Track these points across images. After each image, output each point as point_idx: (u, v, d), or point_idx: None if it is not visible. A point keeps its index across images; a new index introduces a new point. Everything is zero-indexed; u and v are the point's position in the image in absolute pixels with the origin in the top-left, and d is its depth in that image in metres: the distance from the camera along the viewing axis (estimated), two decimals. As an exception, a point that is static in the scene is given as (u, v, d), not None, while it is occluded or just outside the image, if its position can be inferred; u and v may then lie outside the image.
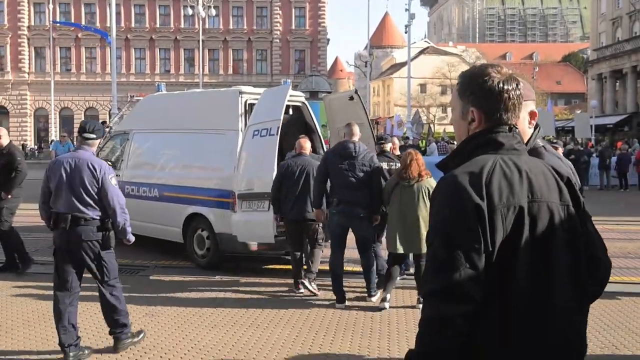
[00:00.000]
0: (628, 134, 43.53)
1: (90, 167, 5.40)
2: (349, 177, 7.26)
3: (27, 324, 6.56)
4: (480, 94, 2.08)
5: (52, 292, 5.53)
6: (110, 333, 5.64)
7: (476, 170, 1.96)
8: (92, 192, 5.39)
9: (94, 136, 5.61)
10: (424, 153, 24.30)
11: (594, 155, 26.25)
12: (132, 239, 5.81)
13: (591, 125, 34.88)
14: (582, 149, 27.13)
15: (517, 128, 2.12)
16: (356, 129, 7.58)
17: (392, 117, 41.66)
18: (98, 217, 5.47)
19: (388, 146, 8.82)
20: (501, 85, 2.07)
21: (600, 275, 2.16)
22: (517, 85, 2.11)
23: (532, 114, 2.80)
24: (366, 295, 7.59)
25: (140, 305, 7.19)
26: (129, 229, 5.65)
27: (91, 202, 5.41)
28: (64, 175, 5.40)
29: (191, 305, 7.31)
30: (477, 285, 1.89)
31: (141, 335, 5.86)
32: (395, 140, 10.24)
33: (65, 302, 5.40)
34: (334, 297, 7.41)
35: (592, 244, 2.15)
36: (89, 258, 5.49)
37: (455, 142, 35.08)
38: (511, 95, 2.08)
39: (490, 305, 1.91)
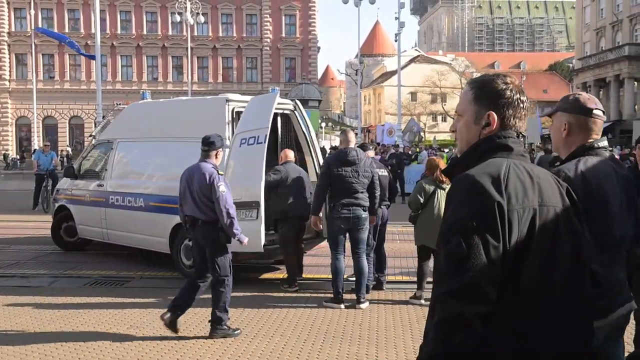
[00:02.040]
0: (611, 142, 43.99)
1: (203, 175, 6.27)
2: (352, 182, 7.56)
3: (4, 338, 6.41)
4: (500, 100, 2.18)
5: (31, 305, 5.42)
6: (210, 321, 6.40)
7: (494, 171, 2.01)
8: (205, 197, 6.26)
9: (206, 148, 6.50)
10: (414, 161, 24.27)
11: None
12: (244, 239, 6.42)
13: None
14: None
15: (524, 136, 2.24)
16: (352, 136, 7.96)
17: (384, 125, 41.68)
18: (211, 219, 6.30)
19: (371, 153, 8.91)
20: (517, 94, 2.20)
21: (602, 290, 2.20)
22: (526, 96, 2.24)
23: None
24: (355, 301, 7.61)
25: (126, 317, 7.06)
26: (236, 231, 6.27)
27: (204, 206, 6.28)
28: (185, 182, 6.43)
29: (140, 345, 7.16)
30: (494, 285, 1.90)
31: (237, 332, 6.41)
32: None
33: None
34: (320, 304, 7.50)
35: (590, 256, 2.15)
36: (207, 254, 6.37)
37: (444, 150, 34.77)
38: (524, 105, 2.21)
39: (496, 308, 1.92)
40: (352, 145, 7.79)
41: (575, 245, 2.06)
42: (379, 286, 8.41)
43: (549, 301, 1.97)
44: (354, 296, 7.66)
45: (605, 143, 3.03)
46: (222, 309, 6.34)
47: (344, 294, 7.63)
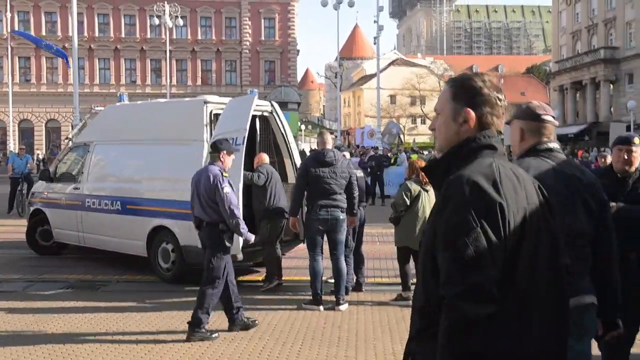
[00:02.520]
0: (588, 143, 44.58)
1: (207, 177, 6.37)
2: (329, 184, 7.55)
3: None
4: (477, 97, 2.17)
5: (4, 310, 5.31)
6: (188, 323, 6.37)
7: (488, 172, 2.03)
8: (210, 198, 6.37)
9: (212, 151, 6.61)
10: (393, 163, 24.31)
11: (558, 164, 26.57)
12: (251, 237, 6.74)
13: (555, 135, 35.51)
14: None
15: (502, 134, 2.26)
16: (329, 138, 7.98)
17: (363, 127, 41.77)
18: (214, 221, 6.43)
19: (347, 154, 8.94)
20: (495, 92, 2.19)
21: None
22: (504, 95, 2.24)
23: None
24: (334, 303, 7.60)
25: (102, 322, 6.97)
26: (242, 230, 6.44)
27: (209, 207, 6.39)
28: (194, 185, 6.55)
29: (155, 320, 7.10)
30: (496, 286, 1.92)
31: (215, 336, 6.35)
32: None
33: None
34: (300, 306, 7.51)
35: (564, 250, 2.25)
36: (206, 254, 6.48)
37: (424, 152, 34.85)
38: (502, 103, 2.20)
39: None
40: (329, 146, 7.78)
41: (552, 242, 2.10)
42: (358, 288, 8.40)
43: (537, 298, 2.01)
44: (333, 298, 7.64)
45: (555, 145, 3.22)
46: (205, 311, 6.32)
47: (323, 296, 7.60)
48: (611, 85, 50.66)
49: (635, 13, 47.85)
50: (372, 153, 25.51)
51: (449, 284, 1.92)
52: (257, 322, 6.73)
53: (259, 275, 9.41)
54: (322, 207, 7.53)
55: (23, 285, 8.89)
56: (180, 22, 45.48)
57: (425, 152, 33.05)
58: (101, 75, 57.87)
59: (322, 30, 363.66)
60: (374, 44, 41.71)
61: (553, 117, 3.28)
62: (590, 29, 54.30)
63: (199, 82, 58.43)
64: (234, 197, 6.44)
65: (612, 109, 50.10)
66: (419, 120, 75.35)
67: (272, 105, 9.66)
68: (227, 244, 6.47)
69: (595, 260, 3.05)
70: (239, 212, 6.42)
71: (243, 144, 8.05)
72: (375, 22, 38.00)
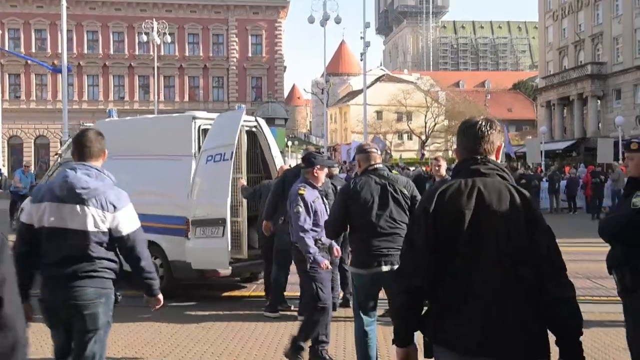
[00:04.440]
0: (576, 159, 44.69)
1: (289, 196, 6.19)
2: None
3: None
4: None
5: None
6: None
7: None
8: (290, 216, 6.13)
9: (303, 165, 6.32)
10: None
11: (544, 179, 26.83)
12: (322, 262, 6.00)
13: (541, 151, 35.76)
14: (532, 173, 27.72)
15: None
16: None
17: (349, 143, 41.91)
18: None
19: (336, 170, 9.03)
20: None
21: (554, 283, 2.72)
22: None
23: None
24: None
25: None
26: (308, 254, 5.90)
27: (290, 226, 6.14)
28: None
29: (141, 335, 7.12)
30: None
31: None
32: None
33: None
34: (290, 319, 7.45)
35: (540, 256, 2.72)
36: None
37: (410, 168, 34.83)
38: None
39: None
40: None
41: (517, 245, 2.74)
42: (345, 303, 8.37)
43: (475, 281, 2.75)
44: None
45: (377, 166, 5.26)
46: (304, 337, 5.92)
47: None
48: (599, 101, 50.75)
49: (622, 28, 48.12)
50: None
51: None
52: None
53: (246, 291, 9.44)
54: None
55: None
56: (168, 38, 45.56)
57: (412, 168, 33.19)
58: (90, 92, 57.89)
59: (309, 46, 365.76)
60: (361, 60, 42.00)
61: (375, 149, 5.40)
62: (577, 45, 54.53)
63: (186, 98, 58.54)
64: (303, 217, 5.90)
65: (599, 125, 50.14)
66: (405, 136, 75.58)
67: (256, 121, 9.75)
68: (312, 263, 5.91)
69: None
70: (307, 234, 5.88)
71: (231, 159, 8.13)
72: (361, 38, 38.22)
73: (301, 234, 5.84)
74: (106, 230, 3.88)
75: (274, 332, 7.23)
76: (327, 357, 5.99)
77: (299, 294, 7.83)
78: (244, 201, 9.05)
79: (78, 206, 3.83)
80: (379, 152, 5.48)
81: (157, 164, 9.16)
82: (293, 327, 7.36)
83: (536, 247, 2.69)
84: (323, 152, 42.46)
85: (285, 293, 8.78)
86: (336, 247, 6.47)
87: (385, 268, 5.01)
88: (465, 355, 2.63)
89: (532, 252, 2.68)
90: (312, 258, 5.83)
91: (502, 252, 2.65)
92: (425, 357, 2.79)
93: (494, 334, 2.61)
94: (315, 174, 6.12)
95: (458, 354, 2.64)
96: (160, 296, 4.27)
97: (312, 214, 5.91)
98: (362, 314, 5.20)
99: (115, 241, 3.93)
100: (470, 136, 2.88)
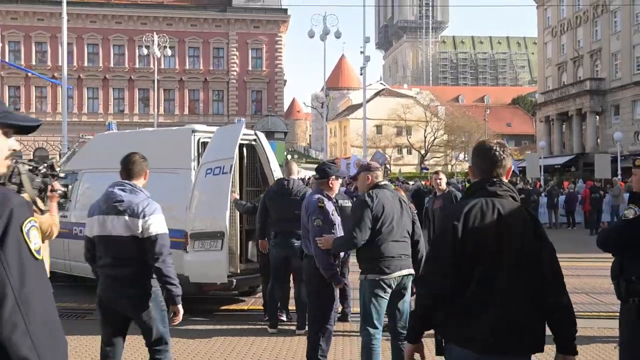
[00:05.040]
0: (575, 174, 44.69)
1: (305, 205, 6.11)
2: (284, 211, 7.73)
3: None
4: None
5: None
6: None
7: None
8: (305, 228, 6.05)
9: (318, 176, 6.27)
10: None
11: (543, 194, 26.83)
12: (340, 282, 6.06)
13: (540, 166, 35.78)
14: (531, 188, 27.72)
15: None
16: (293, 167, 8.25)
17: (349, 157, 41.94)
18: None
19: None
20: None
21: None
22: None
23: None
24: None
25: (86, 350, 6.96)
26: (324, 270, 5.75)
27: (306, 238, 6.06)
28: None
29: (137, 349, 7.09)
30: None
31: None
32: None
33: None
34: (287, 334, 7.43)
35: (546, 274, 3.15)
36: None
37: (410, 182, 34.93)
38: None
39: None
40: (293, 176, 8.05)
41: (528, 259, 3.16)
42: (343, 318, 8.36)
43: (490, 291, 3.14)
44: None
45: (386, 182, 5.65)
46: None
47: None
48: (597, 117, 50.84)
49: (621, 44, 48.35)
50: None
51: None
52: None
53: (244, 305, 9.42)
54: (277, 234, 7.85)
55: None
56: (169, 52, 45.77)
57: (411, 182, 33.22)
58: (90, 105, 58.01)
59: (309, 60, 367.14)
60: (360, 74, 42.10)
61: (377, 167, 5.75)
62: (576, 61, 54.76)
63: (186, 111, 58.64)
64: (324, 232, 5.73)
65: (598, 140, 50.26)
66: (405, 150, 75.69)
67: (256, 134, 9.75)
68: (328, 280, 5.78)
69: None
70: (327, 250, 5.69)
71: (230, 172, 8.14)
72: (361, 52, 38.37)
73: (324, 253, 5.66)
74: (140, 235, 4.65)
75: (272, 346, 7.21)
76: None
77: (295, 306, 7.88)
78: (237, 215, 9.05)
79: (117, 217, 4.70)
80: (382, 162, 5.77)
81: (156, 177, 9.11)
82: (291, 342, 7.35)
83: (543, 259, 3.15)
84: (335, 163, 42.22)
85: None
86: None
87: (405, 272, 5.36)
88: (482, 354, 3.04)
89: (540, 263, 3.14)
90: (331, 278, 5.72)
91: (519, 264, 3.08)
92: (436, 354, 3.21)
93: (508, 334, 3.04)
94: (331, 185, 6.07)
95: (476, 352, 3.05)
96: (180, 307, 4.73)
97: (331, 227, 5.82)
98: (371, 323, 5.29)
99: (144, 243, 4.64)
100: (487, 160, 3.26)
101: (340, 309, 8.36)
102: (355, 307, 8.86)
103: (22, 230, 1.88)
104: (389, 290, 5.31)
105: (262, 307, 8.74)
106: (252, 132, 9.83)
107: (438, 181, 8.96)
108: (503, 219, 3.11)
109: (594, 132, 50.75)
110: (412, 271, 5.41)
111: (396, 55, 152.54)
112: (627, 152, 43.21)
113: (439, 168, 53.04)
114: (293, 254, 7.61)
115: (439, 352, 3.21)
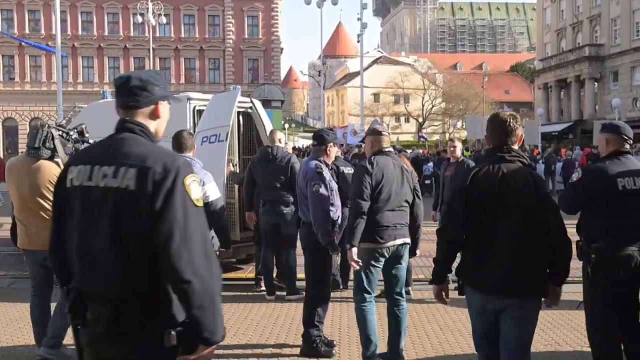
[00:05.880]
0: (572, 142, 44.69)
1: (303, 172, 6.00)
2: (270, 178, 7.79)
3: None
4: None
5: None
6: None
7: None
8: (304, 195, 5.98)
9: (315, 143, 6.12)
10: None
11: (540, 161, 26.80)
12: (335, 249, 5.87)
13: (538, 133, 35.75)
14: (528, 155, 27.68)
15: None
16: (277, 135, 8.16)
17: (346, 126, 41.77)
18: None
19: (339, 152, 8.95)
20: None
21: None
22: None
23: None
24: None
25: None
26: (323, 238, 5.68)
27: (303, 205, 6.02)
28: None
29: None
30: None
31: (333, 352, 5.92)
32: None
33: None
34: (282, 299, 7.47)
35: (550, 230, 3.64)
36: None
37: (408, 150, 34.84)
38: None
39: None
40: (277, 144, 7.98)
41: (530, 213, 3.70)
42: (335, 285, 8.36)
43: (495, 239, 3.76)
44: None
45: (389, 149, 5.46)
46: (314, 326, 5.84)
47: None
48: (596, 83, 50.59)
49: (621, 9, 47.84)
50: (355, 151, 25.55)
51: None
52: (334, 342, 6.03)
53: (242, 273, 9.45)
54: (266, 202, 7.88)
55: (8, 282, 8.91)
56: (164, 20, 45.30)
57: (409, 150, 33.18)
58: (84, 74, 57.47)
59: (306, 28, 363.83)
60: (358, 42, 41.74)
61: (387, 133, 5.60)
62: (575, 27, 54.21)
63: (182, 80, 58.16)
64: (324, 198, 5.69)
65: (596, 107, 50.06)
66: (402, 118, 75.50)
67: (251, 102, 9.67)
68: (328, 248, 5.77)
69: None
70: (326, 216, 5.67)
71: (226, 140, 8.10)
72: (358, 19, 38.00)
73: (323, 219, 5.64)
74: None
75: (269, 313, 7.24)
76: (319, 343, 5.81)
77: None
78: None
79: None
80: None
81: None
82: (289, 308, 7.38)
83: (544, 212, 3.63)
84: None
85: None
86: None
87: (399, 241, 5.32)
88: (489, 295, 3.64)
89: (540, 217, 3.61)
90: (328, 244, 5.68)
91: (520, 216, 3.60)
92: (458, 294, 3.89)
93: (510, 277, 3.57)
94: (328, 152, 6.04)
95: (484, 293, 3.66)
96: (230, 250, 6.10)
97: (329, 193, 5.78)
98: (363, 288, 5.32)
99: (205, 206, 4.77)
100: (501, 130, 3.76)
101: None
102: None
103: (185, 184, 2.42)
104: (382, 260, 5.31)
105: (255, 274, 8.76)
106: (247, 99, 9.74)
107: (452, 148, 8.80)
108: (506, 179, 3.62)
109: (592, 99, 50.59)
110: (407, 240, 5.38)
111: (394, 22, 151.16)
112: (625, 118, 43.12)
113: (457, 135, 52.76)
114: (282, 221, 7.69)
115: (460, 292, 3.85)
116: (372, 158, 5.32)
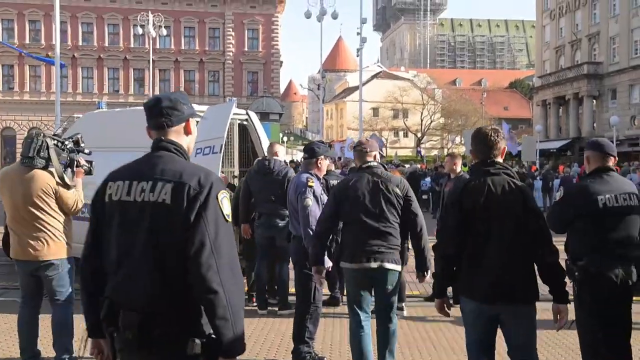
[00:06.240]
0: (570, 159, 44.64)
1: (294, 185, 5.94)
2: (266, 191, 7.63)
3: None
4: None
5: None
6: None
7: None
8: (294, 209, 5.93)
9: (306, 156, 6.03)
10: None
11: (538, 178, 26.76)
12: (326, 264, 5.59)
13: (536, 149, 35.73)
14: (525, 172, 27.66)
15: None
16: (275, 148, 7.99)
17: (345, 140, 41.78)
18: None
19: (332, 165, 9.00)
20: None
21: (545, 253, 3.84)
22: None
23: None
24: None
25: (77, 330, 6.86)
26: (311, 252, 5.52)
27: (294, 219, 5.98)
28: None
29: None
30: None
31: None
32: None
33: None
34: (275, 314, 7.37)
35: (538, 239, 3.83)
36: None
37: (405, 165, 34.90)
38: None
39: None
40: (276, 157, 7.86)
41: (519, 224, 3.86)
42: (335, 302, 8.26)
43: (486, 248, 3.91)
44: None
45: (373, 164, 5.16)
46: (304, 342, 5.80)
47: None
48: (594, 101, 50.64)
49: (619, 28, 48.00)
50: (352, 165, 25.54)
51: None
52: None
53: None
54: (261, 214, 7.75)
55: (-3, 293, 8.80)
56: (164, 31, 45.45)
57: (407, 165, 33.17)
58: (84, 84, 57.60)
59: (306, 42, 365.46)
60: (357, 56, 41.83)
61: (366, 150, 5.23)
62: (574, 44, 54.43)
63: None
64: (313, 212, 5.62)
65: (595, 125, 50.05)
66: (401, 133, 75.51)
67: (247, 114, 9.62)
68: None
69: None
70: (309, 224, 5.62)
71: (220, 152, 8.03)
72: (358, 34, 38.06)
73: (311, 231, 5.54)
74: None
75: (260, 327, 7.15)
76: (309, 359, 5.73)
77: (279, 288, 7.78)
78: None
79: None
80: (377, 150, 5.33)
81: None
82: (280, 324, 7.28)
83: (531, 223, 3.80)
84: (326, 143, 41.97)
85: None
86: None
87: (374, 265, 4.93)
88: (483, 303, 3.80)
89: (528, 226, 3.78)
90: (317, 262, 5.47)
91: (508, 227, 3.77)
92: (454, 303, 4.02)
93: (502, 286, 3.74)
94: (319, 165, 5.94)
95: (477, 301, 3.81)
96: None
97: (320, 207, 5.70)
98: (356, 309, 5.10)
99: None
100: (483, 145, 3.94)
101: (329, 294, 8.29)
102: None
103: (217, 199, 2.56)
104: (358, 280, 5.07)
105: (247, 290, 8.65)
106: (243, 111, 9.69)
107: (453, 164, 8.65)
108: (493, 193, 3.80)
109: (590, 116, 50.59)
110: (385, 265, 4.95)
111: (394, 37, 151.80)
112: (623, 136, 43.13)
113: (457, 151, 52.66)
114: (278, 234, 7.55)
115: (455, 301, 4.01)
116: (346, 176, 5.33)
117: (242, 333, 2.59)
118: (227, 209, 2.60)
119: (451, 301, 4.01)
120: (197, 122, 8.70)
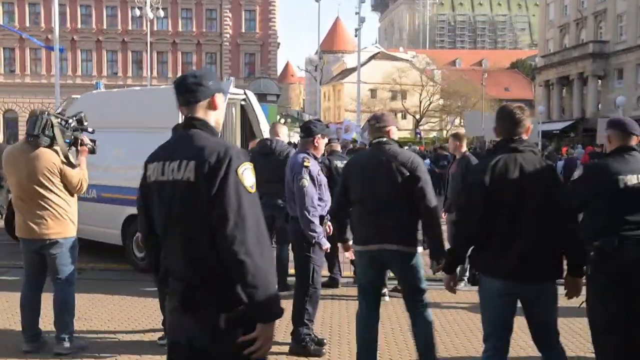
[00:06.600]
0: (574, 140, 44.24)
1: (290, 165, 5.79)
2: (268, 172, 7.33)
3: None
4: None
5: None
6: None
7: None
8: (290, 190, 5.76)
9: (302, 134, 5.87)
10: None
11: (541, 159, 26.57)
12: (324, 245, 5.66)
13: (538, 131, 35.61)
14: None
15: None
16: (278, 129, 7.93)
17: (342, 122, 41.66)
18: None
19: (337, 146, 8.90)
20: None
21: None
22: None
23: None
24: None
25: (75, 308, 6.88)
26: (311, 233, 5.54)
27: (291, 200, 5.76)
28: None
29: (126, 309, 7.04)
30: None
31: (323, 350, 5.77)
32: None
33: None
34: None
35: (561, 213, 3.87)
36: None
37: (404, 147, 35.08)
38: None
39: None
40: (279, 137, 7.77)
41: (547, 200, 3.86)
42: (334, 284, 8.26)
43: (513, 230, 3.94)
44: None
45: (383, 139, 4.81)
46: (304, 324, 5.74)
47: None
48: (599, 81, 49.73)
49: (627, 5, 46.68)
50: (350, 146, 25.49)
51: None
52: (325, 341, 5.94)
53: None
54: (263, 194, 7.54)
55: (-1, 272, 8.85)
56: (161, 13, 45.06)
57: (405, 147, 33.13)
58: (83, 67, 57.73)
59: (303, 23, 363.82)
60: (356, 36, 41.58)
61: (384, 123, 4.92)
62: (579, 22, 53.28)
63: (179, 73, 57.82)
64: (310, 193, 5.51)
65: (599, 105, 49.17)
66: (399, 115, 75.20)
67: (245, 94, 9.57)
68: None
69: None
70: (314, 211, 5.49)
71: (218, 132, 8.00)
72: (356, 14, 37.83)
73: (307, 212, 5.45)
74: None
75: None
76: (308, 341, 5.69)
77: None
78: None
79: None
80: (393, 124, 4.96)
81: (143, 137, 8.95)
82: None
83: (559, 200, 3.85)
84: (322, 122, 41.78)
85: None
86: (329, 224, 5.94)
87: (377, 247, 4.69)
88: (509, 280, 3.80)
89: (558, 203, 3.83)
90: (315, 239, 5.50)
91: (539, 205, 3.77)
92: (472, 285, 4.20)
93: (528, 265, 3.74)
94: (316, 144, 5.71)
95: (504, 279, 3.80)
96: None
97: (317, 187, 5.60)
98: (362, 292, 4.95)
99: None
100: (509, 122, 3.95)
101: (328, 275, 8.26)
102: (345, 271, 8.79)
103: (237, 172, 2.67)
104: (366, 262, 4.87)
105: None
106: (241, 91, 9.64)
107: (458, 144, 8.52)
108: (524, 169, 3.79)
109: (595, 96, 49.60)
110: (388, 247, 4.67)
111: (392, 17, 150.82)
112: (629, 117, 42.73)
113: (461, 131, 51.89)
114: (278, 214, 7.45)
115: (473, 282, 4.24)
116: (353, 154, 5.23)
117: (276, 299, 2.67)
118: (248, 180, 2.73)
119: (462, 284, 4.23)
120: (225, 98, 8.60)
